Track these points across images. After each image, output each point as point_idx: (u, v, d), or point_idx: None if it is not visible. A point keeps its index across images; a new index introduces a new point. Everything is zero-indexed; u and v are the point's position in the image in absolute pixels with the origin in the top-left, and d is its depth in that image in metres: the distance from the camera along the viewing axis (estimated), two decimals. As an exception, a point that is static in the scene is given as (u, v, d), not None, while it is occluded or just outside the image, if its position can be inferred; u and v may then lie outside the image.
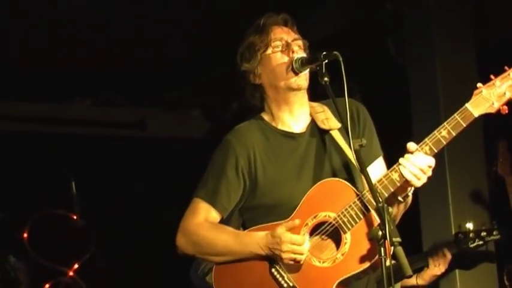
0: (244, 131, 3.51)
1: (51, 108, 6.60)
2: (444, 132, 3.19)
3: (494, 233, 4.53)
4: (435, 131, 3.19)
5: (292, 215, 3.27)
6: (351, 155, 3.28)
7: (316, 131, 3.44)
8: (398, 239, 2.98)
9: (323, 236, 3.25)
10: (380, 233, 3.01)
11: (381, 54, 5.60)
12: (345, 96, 3.21)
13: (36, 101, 6.50)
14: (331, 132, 3.42)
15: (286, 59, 3.40)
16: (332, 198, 3.26)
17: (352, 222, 3.19)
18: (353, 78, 5.48)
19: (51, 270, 5.83)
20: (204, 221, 3.37)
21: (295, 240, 3.17)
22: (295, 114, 3.46)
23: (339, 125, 3.39)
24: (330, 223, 3.21)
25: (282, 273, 3.25)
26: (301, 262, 3.21)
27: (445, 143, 3.19)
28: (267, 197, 3.37)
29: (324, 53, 3.27)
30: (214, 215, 3.36)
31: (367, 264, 3.15)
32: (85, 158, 6.49)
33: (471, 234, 4.58)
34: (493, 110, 3.21)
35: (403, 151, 3.27)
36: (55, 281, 5.87)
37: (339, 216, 3.20)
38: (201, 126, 7.11)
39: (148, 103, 6.96)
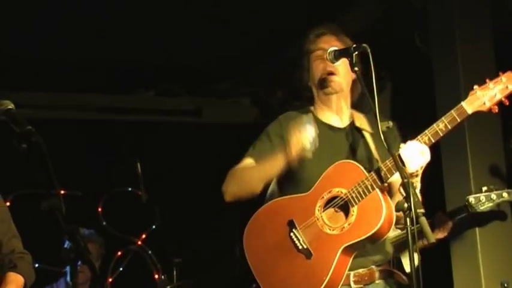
0: (294, 114, 3.63)
1: (120, 98, 6.66)
2: (441, 126, 3.30)
3: (504, 194, 4.38)
4: (434, 124, 3.31)
5: (312, 189, 3.42)
6: (377, 155, 3.47)
7: (354, 131, 3.59)
8: (422, 210, 3.02)
9: (335, 208, 3.37)
10: (406, 205, 3.03)
11: (408, 46, 5.53)
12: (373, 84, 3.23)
13: (107, 93, 6.54)
14: (364, 133, 3.57)
15: (318, 66, 3.58)
16: (345, 177, 3.37)
17: (359, 197, 3.30)
18: (384, 67, 5.44)
19: (122, 240, 5.88)
20: (241, 165, 3.63)
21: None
22: (335, 112, 3.61)
23: (371, 131, 3.55)
24: (341, 197, 3.33)
25: (299, 236, 3.37)
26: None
27: (441, 134, 3.30)
28: (300, 171, 3.46)
29: (354, 45, 3.30)
30: (252, 163, 3.60)
31: (368, 233, 3.26)
32: (149, 142, 6.51)
33: (481, 198, 4.45)
34: (484, 109, 3.34)
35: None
36: (125, 249, 5.92)
37: (349, 192, 3.31)
38: (250, 112, 7.11)
39: (203, 93, 6.97)
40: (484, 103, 3.33)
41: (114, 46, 5.97)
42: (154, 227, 5.92)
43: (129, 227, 5.84)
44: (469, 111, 3.32)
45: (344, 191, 3.33)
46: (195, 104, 6.98)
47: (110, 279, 5.85)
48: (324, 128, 3.57)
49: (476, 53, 5.05)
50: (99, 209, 5.88)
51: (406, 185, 3.01)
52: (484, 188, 4.45)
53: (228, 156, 6.72)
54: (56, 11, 5.31)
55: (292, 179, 3.52)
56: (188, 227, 6.50)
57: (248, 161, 3.66)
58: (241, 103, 7.11)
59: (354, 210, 3.30)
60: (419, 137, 3.29)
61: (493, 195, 4.44)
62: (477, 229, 4.75)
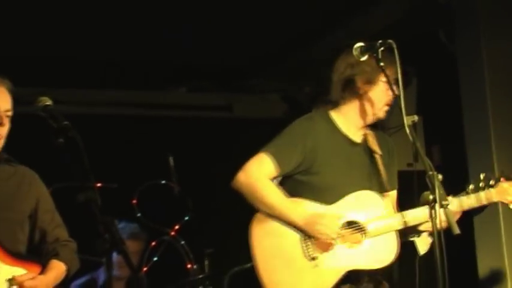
0: (318, 120, 3.68)
1: (153, 94, 6.68)
2: (471, 201, 3.52)
3: (502, 180, 4.26)
4: (464, 196, 3.52)
5: (334, 205, 3.51)
6: (384, 175, 3.64)
7: (367, 149, 3.67)
8: (447, 202, 2.99)
9: (350, 231, 3.48)
10: (431, 197, 3.01)
11: (433, 42, 5.48)
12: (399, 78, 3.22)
13: (141, 89, 6.57)
14: (375, 155, 3.66)
15: (386, 96, 3.59)
16: (367, 206, 3.52)
17: (379, 232, 3.47)
18: (410, 63, 5.40)
19: (156, 230, 5.90)
20: (264, 177, 3.64)
21: (333, 231, 3.43)
22: (353, 126, 3.67)
23: (380, 152, 3.67)
24: (359, 224, 3.47)
25: (312, 245, 3.48)
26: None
27: (466, 208, 3.51)
28: (316, 178, 3.55)
29: (380, 41, 3.28)
30: (273, 171, 3.61)
31: (376, 267, 3.46)
32: (181, 137, 6.53)
33: (481, 184, 4.33)
34: (507, 202, 3.59)
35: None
36: (159, 240, 5.93)
37: (369, 222, 3.47)
38: (279, 108, 7.10)
39: (234, 89, 6.97)
40: (507, 198, 3.55)
41: (147, 44, 6.00)
42: (187, 218, 5.93)
43: (163, 219, 5.86)
44: (495, 199, 3.55)
45: (362, 220, 3.47)
46: (226, 100, 6.98)
47: (145, 269, 5.87)
48: (343, 139, 3.65)
49: (500, 49, 5.01)
50: (134, 201, 5.91)
51: (431, 178, 3.00)
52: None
53: (257, 149, 6.76)
54: (90, 11, 5.34)
55: (304, 184, 3.59)
56: (219, 218, 6.51)
57: (265, 167, 3.71)
58: (270, 98, 7.10)
59: (365, 241, 3.47)
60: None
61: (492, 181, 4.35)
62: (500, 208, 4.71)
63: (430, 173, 3.03)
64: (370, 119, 3.64)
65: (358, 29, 5.66)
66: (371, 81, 3.58)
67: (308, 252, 3.47)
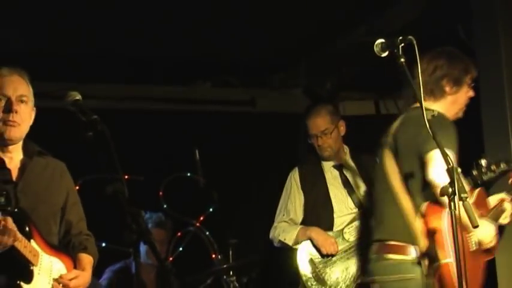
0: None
1: (179, 89, 6.69)
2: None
3: (502, 165, 4.19)
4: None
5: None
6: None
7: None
8: (466, 195, 2.95)
9: None
10: (450, 189, 2.97)
11: (452, 38, 5.43)
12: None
13: (167, 84, 6.58)
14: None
15: (467, 97, 3.74)
16: None
17: None
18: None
19: (182, 221, 5.91)
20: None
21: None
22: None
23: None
24: None
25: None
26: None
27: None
28: None
29: (401, 37, 3.26)
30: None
31: None
32: (206, 131, 6.53)
33: (483, 169, 4.17)
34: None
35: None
36: (185, 231, 5.95)
37: None
38: (301, 102, 7.08)
39: (257, 84, 6.96)
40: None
41: (175, 41, 6.01)
42: (211, 209, 5.94)
43: (188, 210, 5.87)
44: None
45: None
46: (250, 95, 6.97)
47: (171, 259, 5.89)
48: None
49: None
50: (161, 193, 5.92)
51: (451, 171, 2.97)
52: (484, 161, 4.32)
53: (279, 143, 6.78)
54: (119, 9, 5.36)
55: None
56: (243, 210, 6.52)
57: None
58: (292, 93, 7.08)
59: None
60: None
61: (493, 166, 4.30)
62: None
63: (450, 166, 2.99)
64: (452, 119, 3.69)
65: (378, 26, 5.64)
66: (458, 83, 3.67)
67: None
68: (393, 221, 3.52)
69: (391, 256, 3.48)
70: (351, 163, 4.84)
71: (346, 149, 4.92)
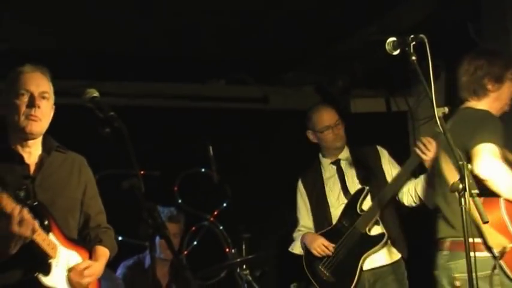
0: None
1: (194, 87, 6.69)
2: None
3: None
4: None
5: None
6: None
7: None
8: (476, 191, 2.95)
9: None
10: (460, 186, 2.96)
11: (462, 36, 5.41)
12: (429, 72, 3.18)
13: (182, 81, 6.59)
14: None
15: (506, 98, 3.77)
16: None
17: None
18: (439, 57, 5.33)
19: (196, 216, 5.92)
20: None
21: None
22: None
23: None
24: None
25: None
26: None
27: None
28: None
29: (412, 36, 3.24)
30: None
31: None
32: (220, 127, 6.54)
33: None
34: None
35: None
36: (199, 225, 5.96)
37: None
38: (313, 100, 7.06)
39: (270, 81, 6.96)
40: None
41: (189, 40, 6.02)
42: (225, 204, 5.95)
43: (202, 205, 5.88)
44: None
45: None
46: (263, 92, 6.96)
47: (185, 252, 5.90)
48: None
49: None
50: (175, 188, 5.93)
51: (461, 167, 2.96)
52: None
53: (291, 139, 6.79)
54: (136, 9, 5.37)
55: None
56: (256, 205, 6.52)
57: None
58: (304, 91, 7.06)
59: None
60: None
61: None
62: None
63: (460, 162, 2.99)
64: (497, 115, 3.73)
65: (389, 24, 5.61)
66: (499, 80, 3.71)
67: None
68: (459, 218, 3.49)
69: (471, 253, 3.43)
70: (349, 156, 4.98)
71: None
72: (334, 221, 4.83)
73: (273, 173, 6.71)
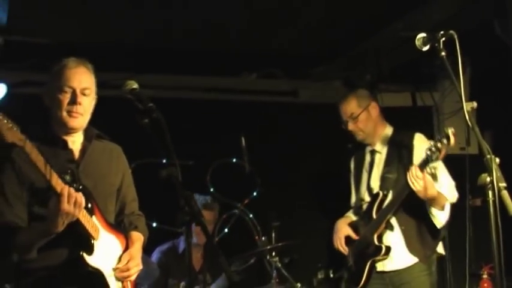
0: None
1: (227, 80, 6.69)
2: None
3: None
4: None
5: None
6: None
7: None
8: (504, 184, 2.90)
9: None
10: (488, 179, 2.92)
11: (488, 33, 5.32)
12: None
13: (216, 75, 6.59)
14: None
15: None
16: None
17: None
18: (465, 53, 5.25)
19: (227, 204, 5.91)
20: None
21: None
22: None
23: None
24: None
25: None
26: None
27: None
28: None
29: (442, 32, 3.20)
30: None
31: None
32: (251, 119, 6.53)
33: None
34: None
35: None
36: (230, 213, 5.95)
37: None
38: (341, 93, 7.00)
39: (300, 76, 6.93)
40: None
41: (223, 36, 6.02)
42: (255, 194, 5.93)
43: (233, 194, 5.87)
44: None
45: None
46: (292, 86, 6.94)
47: (216, 239, 5.90)
48: None
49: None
50: (208, 177, 5.93)
51: (489, 161, 2.91)
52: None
53: (319, 131, 6.77)
54: (173, 4, 5.37)
55: None
56: (285, 194, 6.51)
57: None
58: (333, 85, 7.03)
59: None
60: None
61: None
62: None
63: (488, 156, 2.94)
64: None
65: (416, 21, 5.55)
66: None
67: None
68: None
69: None
70: (385, 147, 4.66)
71: (389, 130, 4.75)
72: (363, 211, 4.69)
73: (302, 164, 6.70)
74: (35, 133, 3.14)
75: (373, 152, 4.73)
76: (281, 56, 6.58)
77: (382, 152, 4.66)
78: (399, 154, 4.53)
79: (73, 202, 2.98)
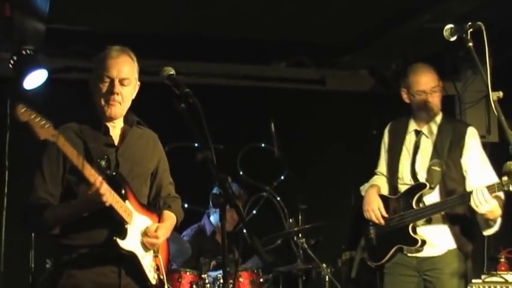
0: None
1: (258, 68, 6.69)
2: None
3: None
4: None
5: None
6: None
7: None
8: None
9: None
10: (512, 166, 2.86)
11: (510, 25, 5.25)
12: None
13: (247, 63, 6.59)
14: None
15: None
16: None
17: None
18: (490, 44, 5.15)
19: (256, 187, 5.92)
20: None
21: None
22: None
23: None
24: None
25: None
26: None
27: None
28: None
29: (470, 23, 3.14)
30: None
31: None
32: (280, 106, 6.51)
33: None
34: None
35: None
36: (258, 196, 5.95)
37: None
38: (367, 82, 7.00)
39: (328, 65, 6.90)
40: None
41: (253, 25, 5.99)
42: (283, 177, 5.92)
43: (262, 177, 5.87)
44: None
45: None
46: (320, 74, 6.91)
47: (245, 221, 5.90)
48: None
49: None
50: (238, 161, 5.93)
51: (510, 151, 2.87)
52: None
53: (345, 117, 6.74)
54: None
55: None
56: (312, 178, 6.49)
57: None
58: (359, 74, 6.98)
59: None
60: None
61: None
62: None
63: (511, 147, 2.89)
64: None
65: (442, 12, 5.47)
66: None
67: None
68: None
69: None
70: (433, 133, 4.20)
71: (439, 116, 4.25)
72: (397, 191, 4.23)
73: (328, 149, 6.68)
74: (81, 116, 3.22)
75: (418, 133, 4.23)
76: (310, 45, 6.54)
77: (430, 137, 4.19)
78: (450, 146, 4.10)
79: (102, 193, 3.02)
